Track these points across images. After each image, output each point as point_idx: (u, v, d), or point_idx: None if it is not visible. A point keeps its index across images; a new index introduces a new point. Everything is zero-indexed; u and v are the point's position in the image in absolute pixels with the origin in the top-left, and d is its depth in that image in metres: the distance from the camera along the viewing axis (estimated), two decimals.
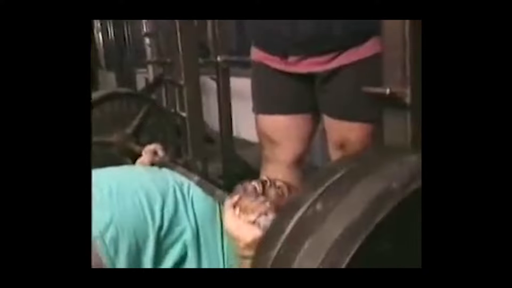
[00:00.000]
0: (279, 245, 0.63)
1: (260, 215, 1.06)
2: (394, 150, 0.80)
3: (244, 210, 1.08)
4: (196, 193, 1.31)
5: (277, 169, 1.62)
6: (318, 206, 0.63)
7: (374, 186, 0.62)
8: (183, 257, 1.21)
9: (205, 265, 1.23)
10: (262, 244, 0.68)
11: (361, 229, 0.56)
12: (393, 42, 0.93)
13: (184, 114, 2.00)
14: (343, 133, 1.51)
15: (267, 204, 1.08)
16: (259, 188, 1.30)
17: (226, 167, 2.67)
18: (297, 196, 0.68)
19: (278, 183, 1.33)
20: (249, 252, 1.06)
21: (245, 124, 3.18)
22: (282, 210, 0.70)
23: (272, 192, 1.31)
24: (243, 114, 2.84)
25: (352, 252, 0.55)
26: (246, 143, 3.45)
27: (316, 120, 1.64)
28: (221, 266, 1.24)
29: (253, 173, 2.78)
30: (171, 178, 1.35)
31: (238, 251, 1.08)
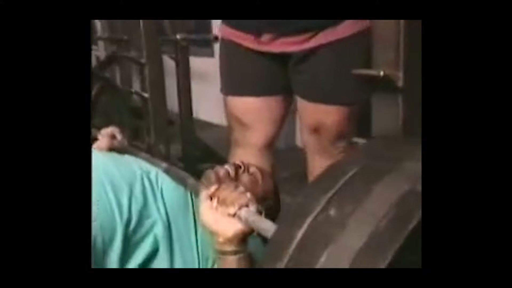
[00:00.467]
0: (287, 256, 0.54)
1: (240, 207, 0.97)
2: (403, 142, 0.73)
3: (222, 202, 0.99)
4: (165, 181, 1.21)
5: (248, 153, 1.53)
6: (332, 211, 0.55)
7: (396, 187, 0.54)
8: (154, 252, 1.11)
9: (177, 260, 1.13)
10: (267, 255, 0.59)
11: (390, 239, 0.49)
12: (385, 23, 0.88)
13: (146, 95, 1.87)
14: (318, 116, 1.44)
15: (248, 195, 0.99)
16: (232, 172, 1.21)
17: (186, 150, 2.57)
18: (304, 199, 0.60)
19: (251, 169, 1.25)
20: (230, 248, 0.98)
21: (204, 105, 3.08)
22: (288, 215, 0.61)
23: (245, 178, 1.23)
24: (202, 94, 2.74)
25: (382, 265, 0.48)
26: (206, 125, 3.35)
27: (289, 102, 1.56)
28: (195, 261, 1.15)
29: (213, 156, 2.72)
30: (137, 165, 1.24)
31: (217, 247, 1.00)
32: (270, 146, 1.59)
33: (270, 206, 1.01)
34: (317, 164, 1.57)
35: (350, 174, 0.59)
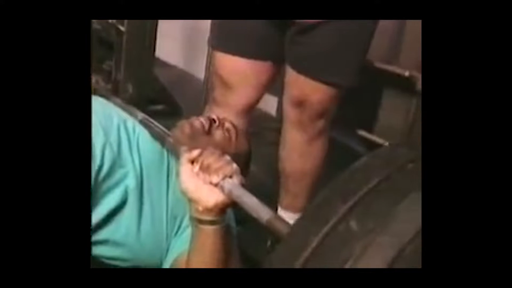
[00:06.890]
0: (301, 262, 0.51)
1: (224, 177, 0.93)
2: None
3: (206, 169, 0.95)
4: (142, 133, 1.14)
5: (225, 114, 1.46)
6: (353, 224, 0.52)
7: None
8: (122, 203, 1.05)
9: (145, 215, 1.07)
10: (278, 257, 0.55)
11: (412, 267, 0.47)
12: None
13: (122, 28, 1.75)
14: (305, 91, 1.41)
15: (234, 165, 0.95)
16: (206, 125, 1.15)
17: (140, 88, 2.45)
18: (320, 203, 0.56)
19: (226, 125, 1.19)
20: (208, 217, 0.96)
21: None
22: (303, 218, 0.57)
23: (218, 134, 1.17)
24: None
25: None
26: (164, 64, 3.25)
27: (277, 70, 1.51)
28: (163, 219, 1.11)
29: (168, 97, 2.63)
30: (114, 111, 1.16)
31: (195, 215, 0.97)
32: (249, 112, 1.55)
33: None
34: (290, 138, 1.55)
35: (373, 183, 0.56)
